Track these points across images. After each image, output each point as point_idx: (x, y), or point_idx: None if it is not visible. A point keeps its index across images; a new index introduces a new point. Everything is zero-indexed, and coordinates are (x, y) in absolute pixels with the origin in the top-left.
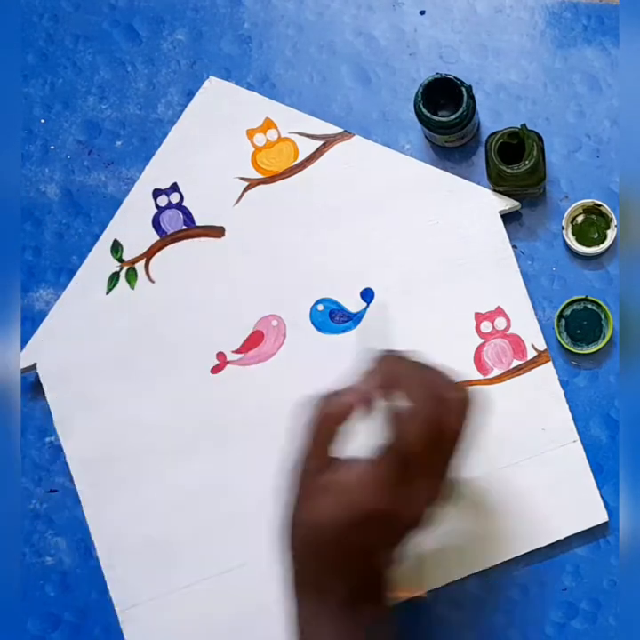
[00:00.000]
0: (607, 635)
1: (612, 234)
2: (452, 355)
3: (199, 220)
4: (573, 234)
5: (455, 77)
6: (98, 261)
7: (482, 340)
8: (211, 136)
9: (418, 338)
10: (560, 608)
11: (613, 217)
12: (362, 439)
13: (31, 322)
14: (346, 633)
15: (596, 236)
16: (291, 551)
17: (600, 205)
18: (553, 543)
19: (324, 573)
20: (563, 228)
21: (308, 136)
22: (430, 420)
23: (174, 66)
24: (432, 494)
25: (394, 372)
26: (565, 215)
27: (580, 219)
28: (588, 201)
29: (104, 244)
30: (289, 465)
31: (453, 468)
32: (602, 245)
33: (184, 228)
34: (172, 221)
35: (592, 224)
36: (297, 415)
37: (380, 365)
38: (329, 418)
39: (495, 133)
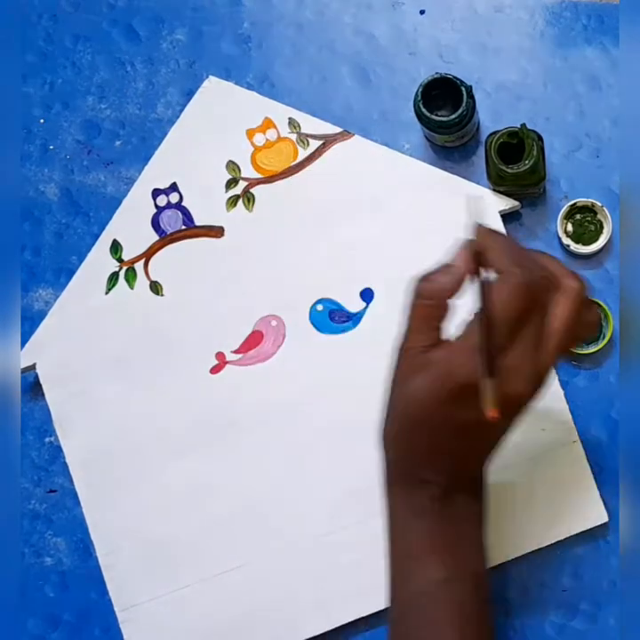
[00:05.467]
0: (607, 635)
1: (606, 232)
2: None
3: (198, 220)
4: (570, 233)
5: (455, 77)
6: (97, 261)
7: None
8: (210, 136)
9: None
10: (560, 608)
11: (608, 215)
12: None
13: (31, 322)
14: (437, 528)
15: (592, 235)
16: (387, 438)
17: (594, 204)
18: (553, 543)
19: (419, 462)
20: (557, 228)
21: (307, 136)
22: (521, 287)
23: (174, 65)
24: (529, 370)
25: (485, 242)
26: (559, 215)
27: (577, 217)
28: (581, 200)
29: (103, 243)
30: (394, 351)
31: (552, 353)
32: (597, 244)
33: (183, 227)
34: (172, 221)
35: (588, 223)
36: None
37: (473, 239)
38: (428, 297)
39: (495, 133)
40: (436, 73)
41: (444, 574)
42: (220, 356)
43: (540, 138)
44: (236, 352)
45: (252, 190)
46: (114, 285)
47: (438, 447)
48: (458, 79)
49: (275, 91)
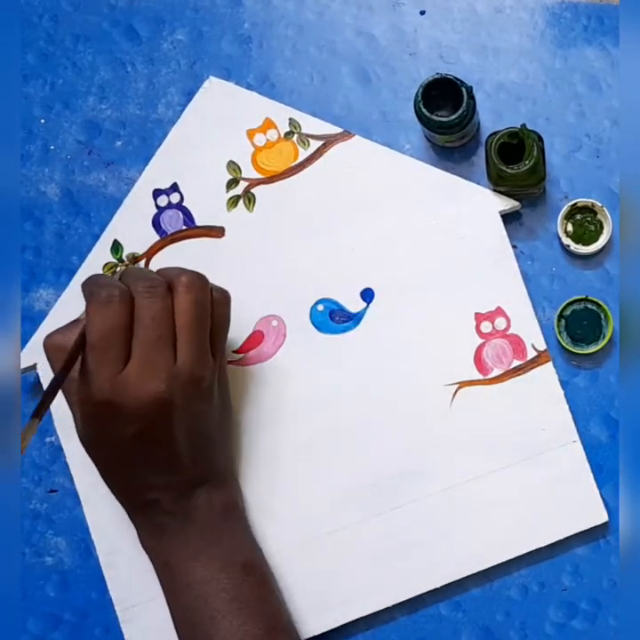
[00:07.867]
0: (607, 635)
1: (606, 232)
2: (452, 355)
3: (199, 220)
4: (570, 233)
5: (455, 77)
6: (98, 261)
7: (482, 340)
8: (211, 136)
9: (418, 338)
10: (560, 608)
11: (608, 215)
12: None
13: (31, 322)
14: (184, 537)
15: (592, 235)
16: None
17: (594, 204)
18: (553, 543)
19: (131, 488)
20: (557, 228)
21: (308, 136)
22: (103, 302)
23: (174, 66)
24: (165, 367)
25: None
26: (559, 215)
27: (577, 217)
28: (581, 200)
29: (104, 244)
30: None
31: (188, 344)
32: (597, 244)
33: (184, 228)
34: (172, 221)
35: (588, 223)
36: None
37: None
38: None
39: (495, 133)
40: (437, 73)
41: (205, 573)
42: None
43: (541, 138)
44: (236, 352)
45: (252, 190)
46: None
47: (132, 465)
48: (458, 80)
49: (275, 91)
